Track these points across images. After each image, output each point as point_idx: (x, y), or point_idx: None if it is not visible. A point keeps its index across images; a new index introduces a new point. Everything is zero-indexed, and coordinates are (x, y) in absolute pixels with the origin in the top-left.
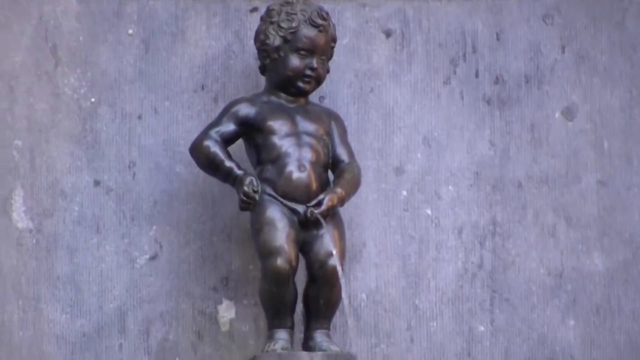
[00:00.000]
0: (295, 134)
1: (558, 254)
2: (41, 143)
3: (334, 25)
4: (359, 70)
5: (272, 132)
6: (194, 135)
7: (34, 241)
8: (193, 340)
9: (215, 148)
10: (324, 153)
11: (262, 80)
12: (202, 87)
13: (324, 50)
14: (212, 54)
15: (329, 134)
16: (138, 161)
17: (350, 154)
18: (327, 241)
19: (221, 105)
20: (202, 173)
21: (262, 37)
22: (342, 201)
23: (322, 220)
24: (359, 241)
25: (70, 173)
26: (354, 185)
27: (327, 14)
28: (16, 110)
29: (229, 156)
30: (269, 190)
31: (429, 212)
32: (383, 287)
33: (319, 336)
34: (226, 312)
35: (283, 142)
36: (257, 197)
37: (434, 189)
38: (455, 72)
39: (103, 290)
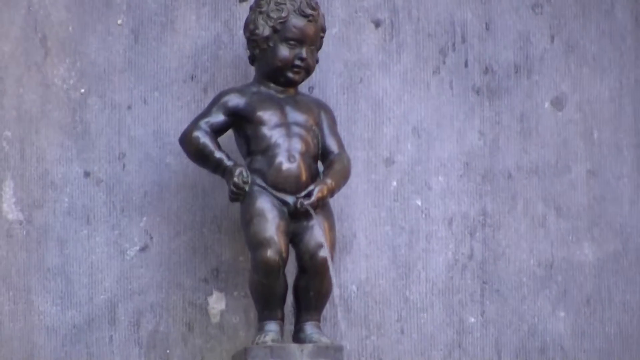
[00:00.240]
0: (285, 124)
1: (548, 245)
2: (31, 134)
3: (323, 15)
4: (348, 60)
5: (261, 122)
6: (183, 126)
7: (24, 232)
8: (183, 331)
9: (205, 139)
10: (314, 144)
11: (252, 70)
12: (192, 78)
13: (313, 40)
14: (201, 44)
15: (318, 124)
16: (128, 152)
17: (340, 144)
18: (317, 232)
19: (211, 96)
20: (192, 164)
21: (251, 27)
22: (332, 192)
23: (312, 212)
24: (349, 232)
25: (60, 164)
26: (344, 176)
27: (317, 3)
28: (5, 101)
29: (219, 147)
30: (258, 181)
31: (419, 202)
32: (373, 278)
33: (310, 328)
34: (216, 303)
35: (273, 133)
36: (247, 188)
37: (424, 179)
38: (444, 62)
39: (93, 282)
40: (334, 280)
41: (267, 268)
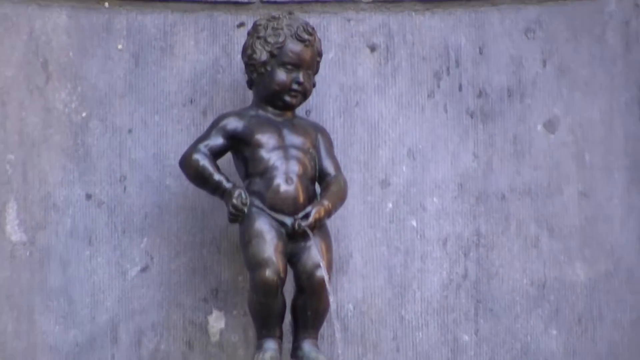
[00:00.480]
0: (283, 147)
1: (541, 265)
2: (33, 157)
3: (319, 39)
4: (344, 84)
5: (259, 145)
6: (183, 149)
7: (28, 253)
8: (184, 350)
9: (204, 161)
10: (311, 166)
11: (250, 94)
12: (191, 101)
13: (310, 64)
14: (200, 68)
15: (315, 147)
16: (129, 174)
17: (337, 167)
18: (314, 253)
19: (210, 119)
20: (191, 186)
21: (249, 51)
22: (329, 213)
23: (309, 232)
24: (345, 252)
25: (62, 186)
26: (341, 198)
27: (313, 28)
28: (8, 124)
29: (218, 169)
30: (257, 202)
31: (414, 223)
32: (369, 297)
33: (307, 346)
34: (216, 322)
35: (270, 156)
36: (245, 209)
37: (419, 200)
38: (439, 86)
39: (95, 302)
40: (331, 299)
41: (265, 288)
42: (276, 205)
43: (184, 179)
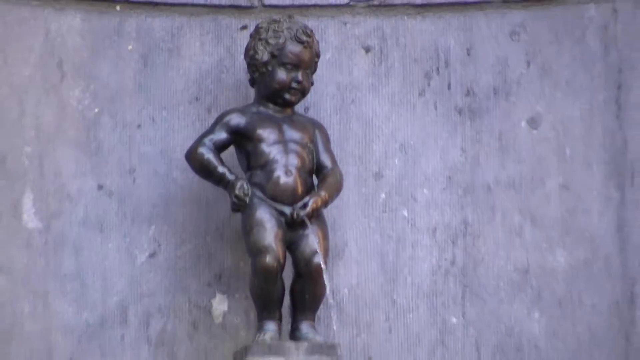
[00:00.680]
0: (282, 141)
1: (524, 252)
2: (49, 150)
3: (317, 41)
4: (340, 83)
5: (261, 140)
6: (189, 143)
7: (43, 240)
8: (189, 331)
9: (208, 155)
10: (309, 159)
11: (252, 92)
12: (197, 99)
13: (308, 64)
14: (205, 68)
15: (313, 141)
16: (138, 167)
17: (333, 160)
18: (312, 240)
19: (214, 116)
20: (197, 178)
21: (251, 52)
22: (325, 203)
23: (307, 221)
24: (341, 240)
25: (75, 178)
26: (337, 189)
27: (312, 31)
28: (25, 120)
29: (222, 162)
30: (258, 193)
31: (405, 213)
32: (363, 282)
33: (305, 327)
34: (219, 305)
35: (271, 149)
36: (247, 199)
37: (410, 192)
38: (429, 85)
39: (106, 286)
40: (327, 284)
41: (266, 273)
42: (276, 196)
43: (190, 171)
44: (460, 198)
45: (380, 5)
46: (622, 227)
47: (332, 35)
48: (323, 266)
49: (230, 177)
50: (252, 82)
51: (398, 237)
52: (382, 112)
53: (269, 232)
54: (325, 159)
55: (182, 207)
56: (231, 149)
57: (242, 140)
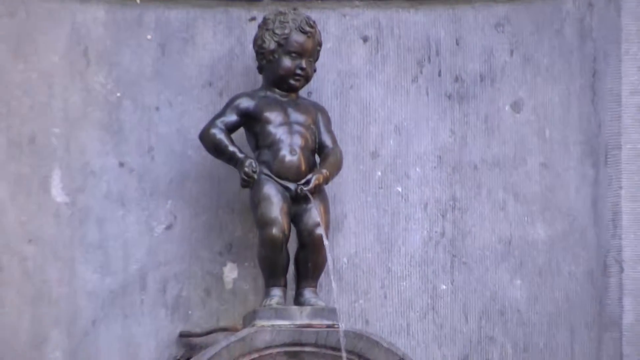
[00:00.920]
0: (288, 123)
1: (507, 225)
2: (75, 131)
3: (319, 31)
4: (340, 70)
5: (268, 122)
6: (202, 125)
7: (69, 213)
8: (202, 296)
9: (220, 135)
10: (312, 139)
11: (260, 78)
12: (209, 84)
13: (311, 53)
14: (217, 56)
15: (315, 123)
16: (156, 146)
17: (334, 140)
18: (314, 213)
19: (225, 99)
20: (209, 156)
21: (259, 41)
22: (327, 180)
23: (310, 196)
24: (340, 214)
25: (99, 156)
26: (337, 167)
27: (314, 22)
28: (54, 103)
29: (232, 142)
30: (265, 170)
31: (399, 189)
32: (361, 252)
33: (308, 293)
34: (230, 272)
35: (277, 130)
36: (255, 176)
37: (404, 170)
38: (421, 72)
39: (127, 255)
40: (328, 253)
41: (272, 243)
42: (282, 173)
43: (203, 150)
44: (449, 175)
45: None
46: (597, 202)
47: (332, 26)
48: (324, 237)
49: (240, 155)
50: (260, 69)
51: (393, 211)
52: (378, 97)
53: (275, 206)
54: (327, 139)
55: (196, 183)
56: (241, 130)
57: (251, 122)
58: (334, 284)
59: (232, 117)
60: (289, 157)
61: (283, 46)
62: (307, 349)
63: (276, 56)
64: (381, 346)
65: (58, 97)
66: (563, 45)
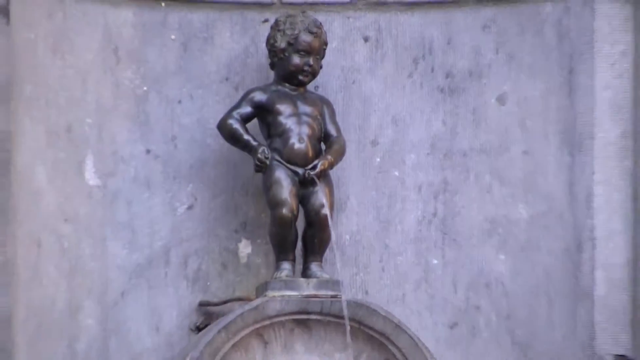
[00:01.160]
0: (297, 114)
1: (493, 206)
2: (106, 121)
3: (325, 32)
4: (344, 67)
5: (279, 113)
6: (220, 116)
7: (101, 195)
8: (219, 270)
9: (236, 125)
10: (318, 129)
11: (272, 74)
12: (227, 79)
13: (318, 51)
14: (234, 54)
15: (321, 114)
16: (178, 135)
17: (338, 130)
18: (320, 195)
19: (241, 93)
20: (226, 144)
21: (271, 41)
22: (331, 165)
23: (316, 180)
24: (344, 195)
25: (127, 144)
26: (341, 154)
27: (321, 24)
28: (87, 96)
29: (247, 131)
30: (276, 157)
31: (396, 173)
32: (362, 230)
33: (314, 267)
34: (244, 248)
35: (287, 121)
36: (267, 162)
37: (400, 156)
38: (416, 69)
39: (152, 232)
40: (332, 231)
41: (282, 222)
42: (291, 159)
43: (221, 138)
44: (441, 161)
45: (377, 3)
46: (572, 185)
47: (337, 27)
48: (329, 217)
49: (253, 143)
50: (272, 65)
51: (390, 193)
52: (378, 91)
53: (285, 189)
54: (332, 129)
55: (214, 168)
56: (254, 121)
57: (264, 113)
58: (337, 259)
59: (246, 109)
60: (297, 145)
61: (293, 45)
62: (313, 316)
63: (286, 54)
64: (379, 314)
65: (91, 91)
66: (543, 45)
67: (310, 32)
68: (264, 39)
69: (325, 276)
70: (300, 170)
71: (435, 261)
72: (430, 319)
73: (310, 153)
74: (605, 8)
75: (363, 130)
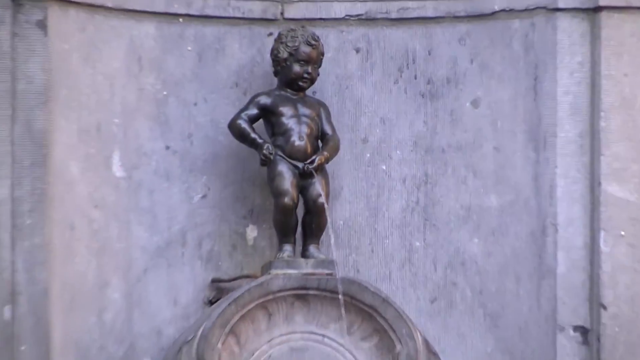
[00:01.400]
0: (297, 115)
1: (468, 195)
2: (131, 121)
3: (322, 44)
4: (338, 74)
5: (281, 114)
6: (230, 117)
7: (127, 185)
8: (230, 250)
9: (244, 125)
10: (316, 128)
11: (275, 80)
12: (236, 85)
13: (316, 60)
14: (242, 63)
15: (319, 116)
16: (194, 133)
17: (333, 129)
18: (317, 186)
19: (248, 97)
20: (236, 141)
21: (275, 52)
22: (327, 160)
23: (314, 173)
24: (338, 186)
25: (149, 140)
26: (335, 150)
27: (318, 37)
28: (115, 99)
29: (254, 130)
30: (279, 152)
31: (384, 167)
32: (354, 216)
33: (312, 248)
34: (251, 232)
35: (289, 121)
36: (271, 157)
37: (387, 152)
38: (401, 76)
39: (171, 217)
40: (328, 217)
41: (284, 209)
42: (292, 155)
43: (231, 136)
44: (423, 157)
45: (366, 19)
46: (537, 178)
47: (332, 40)
48: (325, 205)
49: (259, 141)
50: (276, 73)
51: (378, 184)
52: (368, 95)
53: (287, 180)
54: (327, 128)
55: (225, 162)
56: (260, 121)
57: (268, 114)
58: (332, 241)
59: (253, 111)
60: (297, 142)
61: (294, 55)
62: (311, 292)
63: (288, 63)
64: (369, 290)
65: (118, 95)
66: (511, 56)
67: (309, 44)
68: (268, 50)
69: (322, 257)
70: (300, 164)
71: (417, 243)
72: (413, 294)
73: (309, 149)
74: (566, 24)
75: (355, 130)
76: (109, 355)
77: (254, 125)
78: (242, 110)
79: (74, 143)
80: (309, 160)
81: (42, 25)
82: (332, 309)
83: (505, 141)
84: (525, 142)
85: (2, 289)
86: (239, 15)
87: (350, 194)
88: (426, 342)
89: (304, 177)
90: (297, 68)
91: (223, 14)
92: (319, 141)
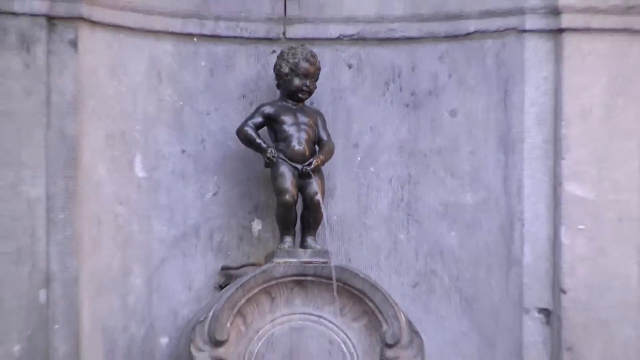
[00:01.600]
0: (297, 123)
1: (446, 194)
2: (151, 128)
3: (319, 60)
4: (333, 87)
5: (283, 122)
6: (238, 124)
7: (147, 184)
8: (237, 242)
9: (251, 132)
10: (313, 135)
11: (278, 92)
12: (243, 96)
13: (313, 75)
14: (249, 77)
15: (316, 124)
16: (207, 138)
17: (328, 135)
18: (314, 185)
19: (254, 107)
20: (243, 145)
21: (277, 67)
22: (323, 163)
23: (311, 173)
24: (332, 185)
25: (167, 145)
26: (330, 154)
27: (315, 54)
28: (137, 109)
29: (259, 136)
30: (281, 156)
31: (372, 169)
32: (347, 212)
33: (309, 240)
34: (256, 225)
35: (289, 128)
36: (274, 160)
37: (375, 156)
38: (388, 89)
39: (186, 212)
40: (323, 213)
41: (285, 205)
42: (292, 158)
43: (239, 141)
44: (407, 160)
45: (358, 39)
46: (507, 179)
47: (328, 57)
48: (321, 202)
49: (264, 145)
50: (278, 86)
51: (368, 184)
52: (359, 106)
53: (287, 180)
54: (323, 135)
55: (234, 164)
56: (265, 128)
57: (272, 122)
58: (327, 234)
59: (258, 119)
60: (297, 147)
61: (294, 70)
62: (309, 278)
63: (289, 77)
64: (359, 276)
65: (139, 105)
66: (484, 72)
67: (308, 61)
68: (272, 65)
69: (318, 247)
70: (299, 166)
71: (401, 236)
72: (398, 280)
73: (307, 153)
74: (532, 44)
75: (347, 136)
76: (131, 334)
77: (259, 131)
78: (248, 119)
79: (101, 147)
80: (307, 163)
81: (74, 43)
82: (327, 293)
83: (479, 146)
84: (497, 147)
85: (38, 276)
86: (246, 35)
87: (343, 192)
88: (409, 323)
89: (302, 178)
90: (297, 81)
91: (232, 34)
92: (316, 146)
